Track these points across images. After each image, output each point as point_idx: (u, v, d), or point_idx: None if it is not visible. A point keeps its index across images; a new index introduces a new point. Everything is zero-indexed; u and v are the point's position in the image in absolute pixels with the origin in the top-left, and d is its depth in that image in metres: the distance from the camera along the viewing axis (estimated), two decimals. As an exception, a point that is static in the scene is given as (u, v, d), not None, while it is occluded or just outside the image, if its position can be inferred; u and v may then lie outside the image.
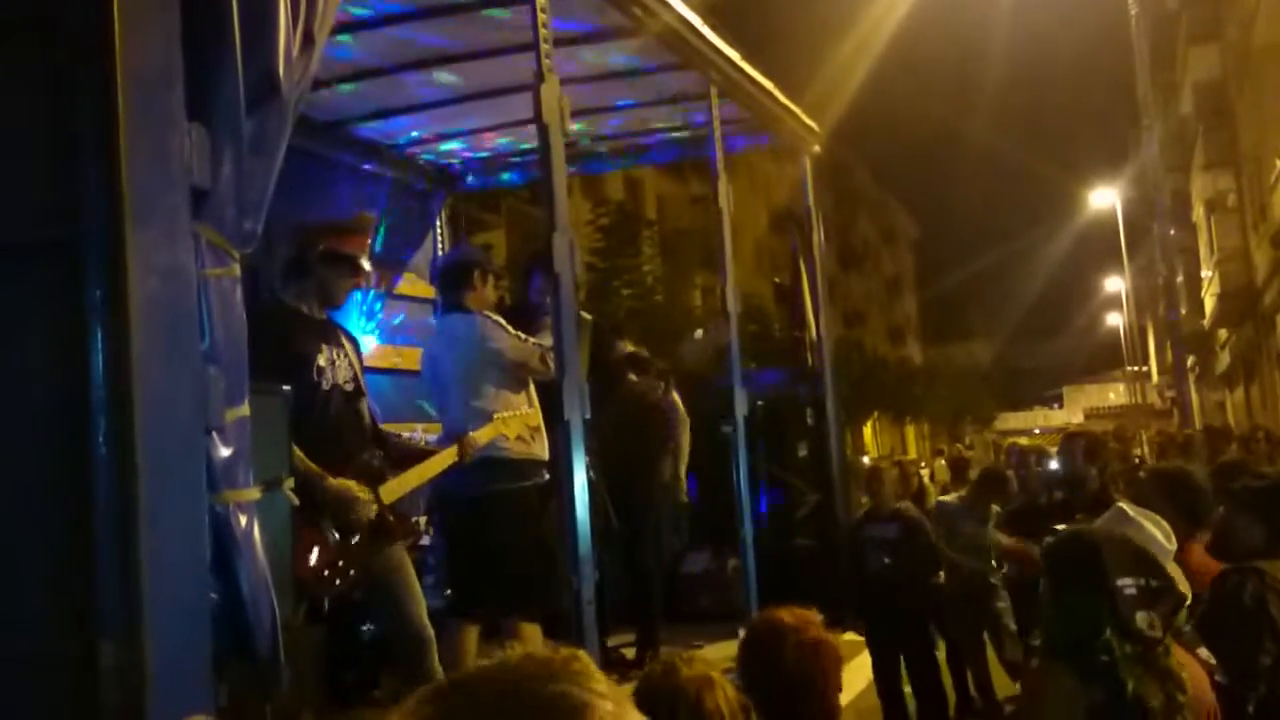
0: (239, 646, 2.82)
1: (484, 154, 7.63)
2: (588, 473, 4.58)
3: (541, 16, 4.58)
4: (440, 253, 7.45)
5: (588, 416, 4.54)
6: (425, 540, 5.67)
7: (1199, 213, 31.36)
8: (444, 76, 6.09)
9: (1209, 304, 30.59)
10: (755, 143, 8.21)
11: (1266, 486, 4.11)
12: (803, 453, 8.08)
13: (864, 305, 59.01)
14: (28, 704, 2.51)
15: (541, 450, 5.23)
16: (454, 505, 5.21)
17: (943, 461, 23.90)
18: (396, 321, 7.13)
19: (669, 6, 5.49)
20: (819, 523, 7.82)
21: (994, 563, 7.27)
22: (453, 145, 7.37)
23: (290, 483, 3.60)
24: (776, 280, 11.48)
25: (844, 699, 2.96)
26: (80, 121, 2.50)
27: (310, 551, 4.03)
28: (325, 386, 4.36)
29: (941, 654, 7.11)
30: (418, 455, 4.73)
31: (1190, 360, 29.23)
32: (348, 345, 4.60)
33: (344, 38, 5.25)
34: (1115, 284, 51.61)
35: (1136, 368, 47.81)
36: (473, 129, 7.08)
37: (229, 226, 2.85)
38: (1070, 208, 57.39)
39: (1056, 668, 2.87)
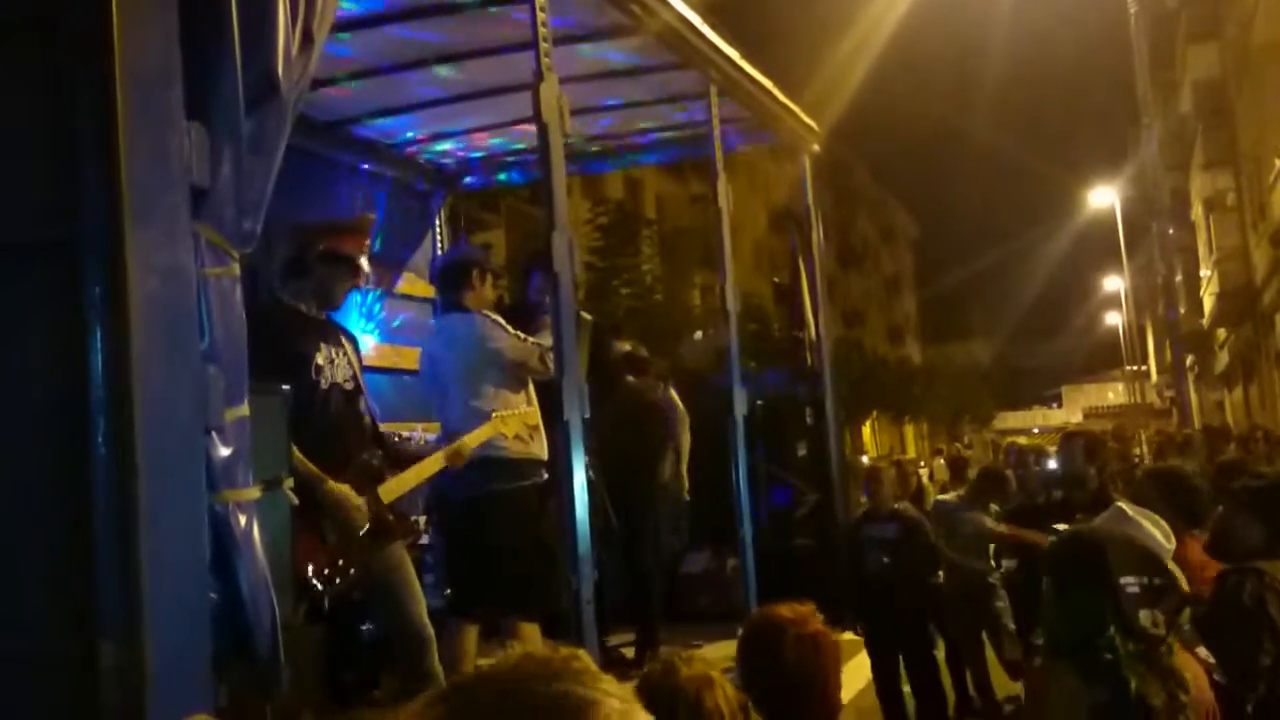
0: (239, 646, 2.82)
1: (483, 153, 7.63)
2: (587, 472, 4.58)
3: (541, 15, 4.58)
4: (440, 252, 7.45)
5: (587, 416, 4.54)
6: (424, 540, 5.67)
7: (1198, 212, 31.38)
8: (443, 75, 6.09)
9: (1208, 303, 30.61)
10: (755, 142, 8.22)
11: (1265, 486, 4.12)
12: (802, 452, 8.09)
13: (863, 304, 59.01)
14: (28, 704, 2.51)
15: (540, 450, 5.23)
16: (453, 505, 5.21)
17: (942, 461, 23.91)
18: (396, 321, 7.13)
19: (668, 5, 5.49)
20: (818, 522, 7.83)
21: (993, 562, 7.27)
22: (452, 144, 7.37)
23: (290, 482, 3.60)
24: (776, 279, 11.49)
25: (843, 698, 2.96)
26: (80, 121, 2.51)
27: (310, 551, 4.03)
28: (324, 385, 4.36)
29: (941, 653, 7.11)
30: (410, 459, 4.72)
31: (1189, 360, 29.24)
32: (347, 344, 4.60)
33: (343, 37, 5.25)
34: (1114, 283, 51.61)
35: (1135, 367, 47.82)
36: (472, 128, 7.08)
37: (228, 226, 2.85)
38: (1069, 207, 57.42)
39: (1059, 667, 2.87)
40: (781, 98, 7.31)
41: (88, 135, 2.50)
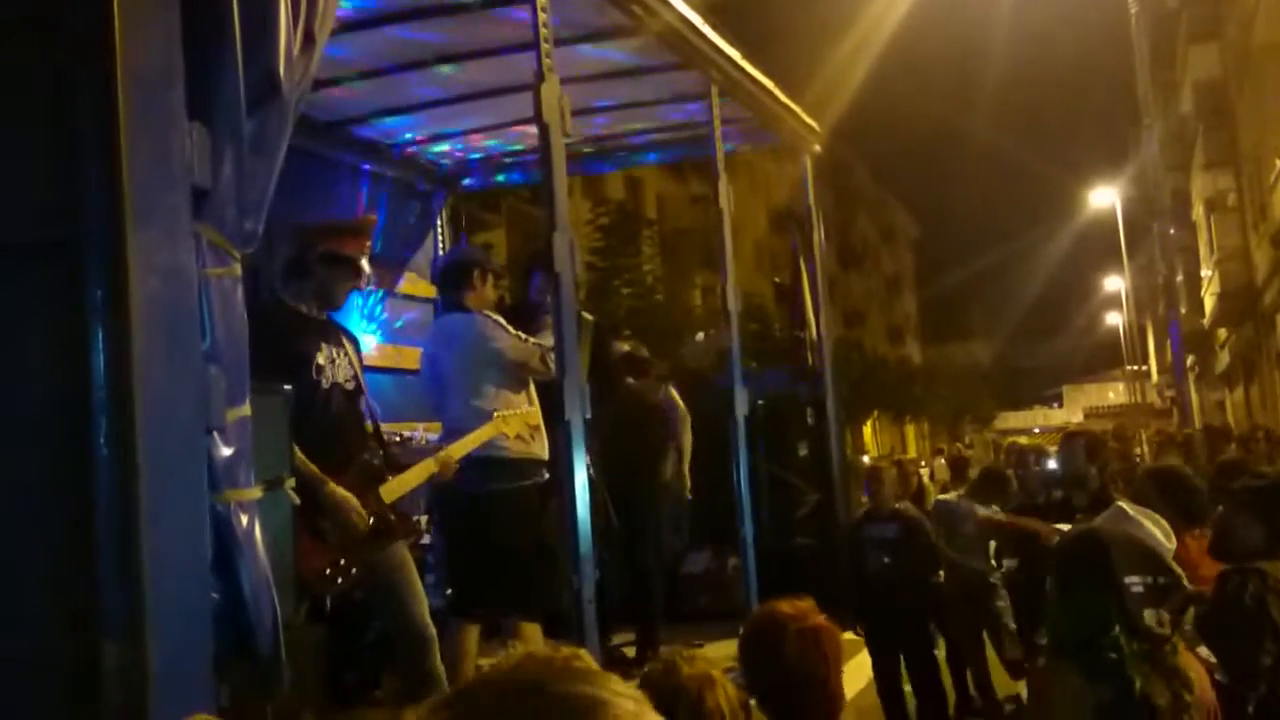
0: (240, 646, 2.82)
1: (485, 153, 7.63)
2: (588, 472, 4.58)
3: (542, 16, 4.58)
4: (441, 252, 7.46)
5: (588, 416, 4.55)
6: (426, 539, 5.67)
7: (1199, 212, 31.36)
8: (445, 76, 6.09)
9: (1209, 303, 30.60)
10: (756, 142, 8.21)
11: (1266, 486, 4.12)
12: (803, 452, 8.08)
13: (864, 305, 59.02)
14: (29, 704, 2.51)
15: (541, 449, 5.23)
16: (454, 504, 5.21)
17: (942, 461, 23.91)
18: (399, 322, 7.13)
19: (669, 6, 5.49)
20: (819, 522, 7.83)
21: (993, 562, 7.27)
22: (454, 145, 7.37)
23: (291, 482, 3.60)
24: (777, 280, 11.49)
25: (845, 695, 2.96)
26: (81, 121, 2.51)
27: (311, 551, 4.03)
28: (325, 385, 4.37)
29: (941, 653, 7.11)
30: (399, 467, 4.70)
31: (1190, 360, 29.24)
32: (348, 345, 4.61)
33: (345, 37, 5.25)
34: (1115, 283, 51.58)
35: (1136, 367, 47.80)
36: (474, 129, 7.08)
37: (230, 226, 2.85)
38: (1070, 207, 57.35)
39: (1063, 666, 2.88)
40: (782, 98, 7.31)
41: (89, 135, 2.50)
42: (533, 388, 5.35)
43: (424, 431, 6.09)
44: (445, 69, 5.97)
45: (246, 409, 2.88)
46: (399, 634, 4.56)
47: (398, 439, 5.66)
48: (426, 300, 7.17)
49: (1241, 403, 30.93)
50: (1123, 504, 4.01)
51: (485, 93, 6.32)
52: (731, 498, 6.34)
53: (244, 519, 2.82)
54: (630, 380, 7.17)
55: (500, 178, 8.15)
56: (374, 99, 6.33)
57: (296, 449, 3.85)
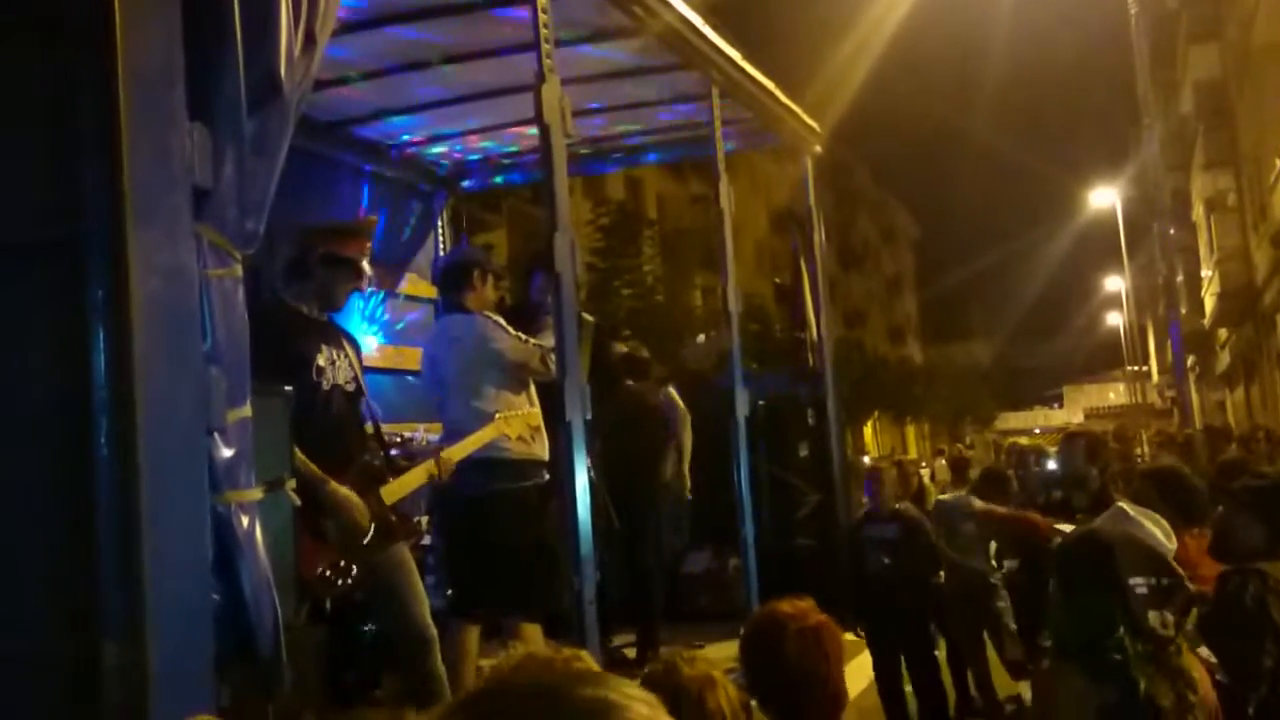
0: (241, 647, 2.82)
1: (485, 154, 7.63)
2: (588, 473, 4.58)
3: (543, 16, 4.58)
4: (442, 253, 7.46)
5: (589, 417, 4.55)
6: (426, 540, 5.67)
7: (1199, 212, 31.35)
8: (446, 77, 6.09)
9: (1209, 303, 30.59)
10: (757, 143, 8.21)
11: (1266, 486, 4.11)
12: (804, 452, 8.08)
13: (864, 305, 59.01)
14: (29, 704, 2.51)
15: (542, 450, 5.23)
16: (454, 505, 5.20)
17: (943, 461, 23.90)
18: (400, 323, 7.13)
19: (670, 6, 5.49)
20: (820, 523, 7.83)
21: (994, 562, 7.26)
22: (454, 145, 7.37)
23: (292, 483, 3.60)
24: (777, 280, 11.49)
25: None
26: (82, 121, 2.51)
27: (312, 552, 4.03)
28: (325, 387, 4.36)
29: (942, 653, 7.11)
30: (395, 471, 4.70)
31: (1190, 360, 29.23)
32: (348, 346, 4.61)
33: (345, 37, 5.25)
34: (1115, 283, 51.56)
35: (1136, 367, 47.79)
36: (474, 129, 7.08)
37: (231, 227, 2.85)
38: (1070, 207, 57.37)
39: (1067, 668, 2.87)
40: (783, 98, 7.31)
41: (90, 135, 2.50)
42: (533, 388, 5.35)
43: (425, 432, 6.09)
44: (446, 69, 5.97)
45: (247, 410, 2.88)
46: (400, 635, 4.56)
47: (398, 440, 5.66)
48: (428, 301, 7.17)
49: (1242, 403, 30.93)
50: (1123, 504, 4.00)
51: (486, 93, 6.32)
52: (732, 498, 6.34)
53: (245, 520, 2.82)
54: (630, 382, 7.17)
55: (501, 178, 8.15)
56: (375, 99, 6.33)
57: (297, 450, 3.85)
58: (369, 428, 4.61)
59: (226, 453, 2.77)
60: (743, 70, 6.50)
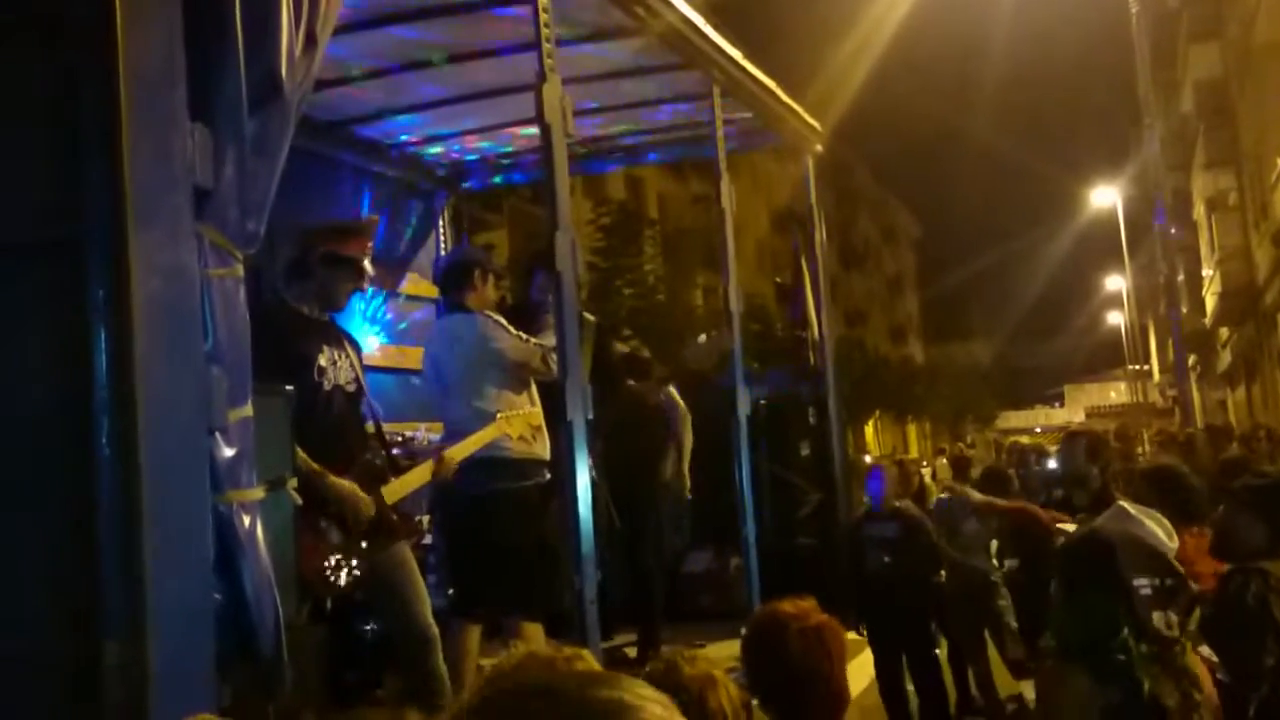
0: (242, 646, 2.82)
1: (486, 154, 7.63)
2: (589, 472, 4.58)
3: (544, 16, 4.58)
4: (443, 252, 7.46)
5: (590, 417, 4.55)
6: (427, 539, 5.67)
7: (1200, 211, 31.35)
8: (446, 76, 6.09)
9: (1210, 303, 30.58)
10: (758, 143, 8.20)
11: (1267, 485, 4.11)
12: (805, 452, 8.08)
13: (865, 304, 58.99)
14: (29, 704, 2.51)
15: (543, 450, 5.24)
16: (455, 504, 5.21)
17: (944, 460, 23.88)
18: (401, 322, 7.13)
19: (671, 6, 5.49)
20: (821, 522, 7.82)
21: (995, 561, 7.26)
22: (455, 145, 7.37)
23: (293, 483, 3.60)
24: (778, 280, 11.47)
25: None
26: (83, 121, 2.51)
27: (313, 551, 4.03)
28: (327, 387, 4.37)
29: (943, 652, 7.10)
30: (404, 469, 4.70)
31: (1191, 359, 29.22)
32: (349, 346, 4.61)
33: (346, 37, 5.25)
34: (1116, 283, 51.56)
35: (1138, 366, 47.78)
36: (475, 129, 7.08)
37: (232, 227, 2.85)
38: (1071, 206, 57.26)
39: (1070, 668, 2.87)
40: (784, 98, 7.30)
41: (90, 135, 2.50)
42: (535, 388, 5.35)
43: (426, 432, 6.09)
44: (447, 69, 5.97)
45: (248, 409, 2.88)
46: (401, 634, 4.56)
47: (400, 439, 5.66)
48: (429, 300, 7.17)
49: (1243, 402, 30.91)
50: (1124, 504, 4.00)
51: (487, 93, 6.32)
52: (733, 497, 6.34)
53: (246, 519, 2.82)
54: (631, 382, 7.17)
55: (501, 178, 8.15)
56: (375, 99, 6.33)
57: (298, 449, 3.85)
58: (370, 427, 4.62)
59: (228, 452, 2.77)
60: (744, 70, 6.50)
